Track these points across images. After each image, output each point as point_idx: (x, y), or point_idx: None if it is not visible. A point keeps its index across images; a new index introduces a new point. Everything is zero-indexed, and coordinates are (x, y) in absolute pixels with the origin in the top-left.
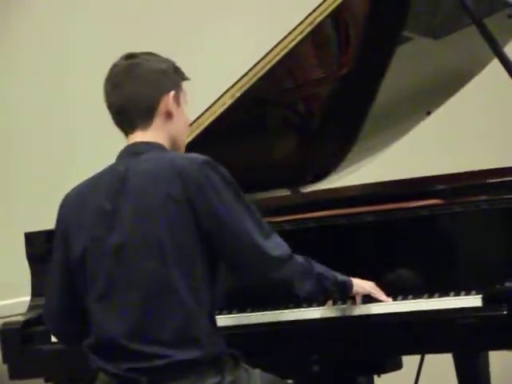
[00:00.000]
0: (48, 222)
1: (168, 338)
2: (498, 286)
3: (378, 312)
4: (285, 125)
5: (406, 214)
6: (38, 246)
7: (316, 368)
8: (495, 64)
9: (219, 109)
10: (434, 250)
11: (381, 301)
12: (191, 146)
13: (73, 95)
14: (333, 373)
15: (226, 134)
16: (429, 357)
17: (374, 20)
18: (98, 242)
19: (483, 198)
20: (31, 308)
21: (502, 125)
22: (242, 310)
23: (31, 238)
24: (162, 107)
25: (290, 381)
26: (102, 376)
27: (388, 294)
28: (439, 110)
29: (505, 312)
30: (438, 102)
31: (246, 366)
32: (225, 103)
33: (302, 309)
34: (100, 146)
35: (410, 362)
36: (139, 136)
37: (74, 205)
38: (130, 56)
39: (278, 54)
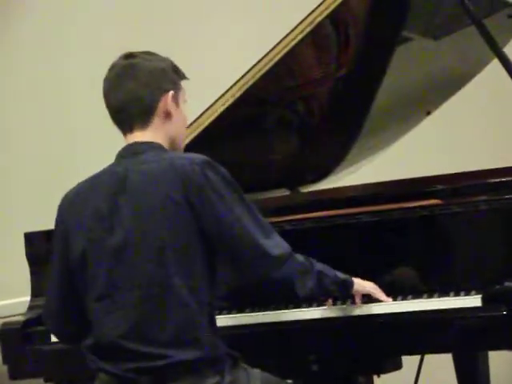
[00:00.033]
0: (48, 222)
1: (168, 339)
2: (497, 286)
3: (377, 312)
4: (284, 125)
5: (405, 214)
6: (38, 246)
7: (315, 368)
8: (495, 64)
9: (219, 109)
10: (434, 250)
11: (381, 301)
12: (191, 146)
13: (73, 95)
14: (332, 373)
15: (225, 133)
16: (428, 357)
17: (373, 20)
18: (97, 243)
19: (483, 198)
20: (31, 308)
21: (502, 125)
22: (241, 310)
23: (31, 238)
24: (160, 107)
25: (289, 381)
26: (101, 376)
27: (388, 294)
28: (439, 109)
29: (504, 312)
30: (438, 102)
31: (245, 366)
32: (225, 103)
33: (302, 309)
34: (100, 146)
35: (409, 362)
36: (138, 136)
37: (74, 205)
38: (128, 55)
39: (277, 54)
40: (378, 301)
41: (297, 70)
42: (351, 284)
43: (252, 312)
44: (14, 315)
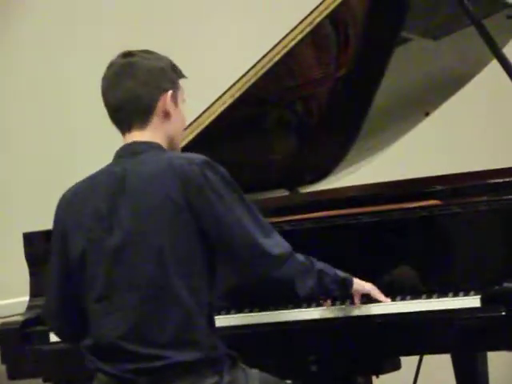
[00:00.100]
0: (47, 223)
1: (167, 340)
2: (496, 287)
3: (376, 312)
4: (284, 125)
5: (405, 214)
6: (37, 246)
7: (314, 368)
8: (494, 64)
9: (218, 109)
10: (433, 251)
11: (380, 301)
12: (191, 146)
13: (73, 95)
14: (331, 373)
15: (225, 133)
16: (427, 357)
17: (373, 20)
18: (96, 244)
19: (482, 198)
20: (30, 308)
21: (502, 125)
22: (240, 310)
23: (30, 238)
24: (159, 106)
25: (288, 381)
26: (100, 376)
27: (387, 295)
28: (439, 110)
29: (503, 313)
30: (437, 102)
31: (244, 366)
32: (224, 103)
33: (301, 309)
34: (100, 145)
35: (408, 362)
36: (136, 135)
37: (72, 205)
38: (127, 54)
39: (277, 54)
40: (376, 301)
41: (296, 70)
42: (351, 283)
43: (251, 312)
44: (13, 315)
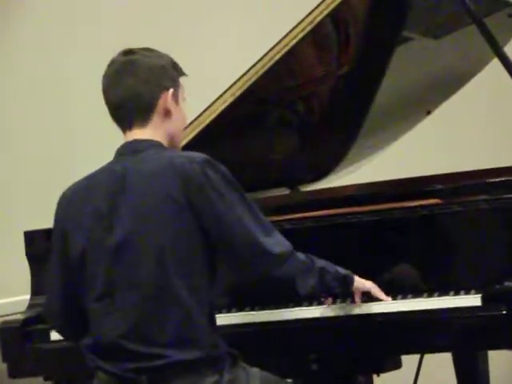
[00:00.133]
0: (48, 221)
1: (167, 339)
2: (497, 286)
3: (377, 311)
4: (285, 124)
5: (405, 213)
6: (38, 245)
7: (315, 367)
8: (495, 63)
9: (219, 107)
10: (434, 250)
11: (380, 300)
12: (192, 145)
13: (73, 95)
14: (332, 372)
15: (225, 132)
16: (428, 356)
17: (374, 19)
18: (97, 242)
19: (482, 197)
20: (31, 306)
21: (502, 124)
22: (240, 309)
23: (31, 237)
24: (160, 105)
25: (288, 380)
26: (100, 375)
27: (387, 293)
28: (439, 109)
29: (504, 312)
30: (438, 101)
31: (245, 365)
32: (225, 101)
33: (301, 307)
34: (100, 145)
35: (409, 361)
36: (137, 133)
37: (72, 203)
38: (128, 52)
39: (278, 53)
40: (377, 300)
41: (297, 69)
42: (352, 280)
43: (252, 311)
44: (14, 314)
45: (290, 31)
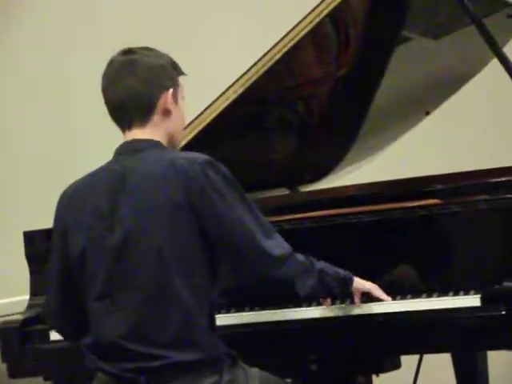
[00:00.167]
0: (47, 222)
1: (167, 339)
2: (496, 286)
3: (376, 311)
4: (284, 124)
5: (405, 213)
6: (37, 245)
7: (314, 367)
8: (495, 64)
9: (219, 107)
10: (433, 250)
11: (380, 300)
12: (191, 144)
13: (73, 95)
14: (331, 372)
15: (225, 133)
16: (427, 356)
17: (373, 20)
18: (97, 242)
19: (482, 197)
20: (30, 307)
21: (502, 124)
22: (240, 309)
23: (30, 237)
24: (160, 104)
25: (288, 380)
26: (100, 375)
27: (387, 294)
28: (439, 109)
29: (503, 312)
30: (438, 101)
31: (244, 365)
32: (225, 102)
33: (301, 308)
34: (100, 145)
35: (408, 361)
36: (137, 133)
37: (72, 202)
38: (127, 51)
39: (278, 53)
40: (376, 300)
41: (297, 70)
42: (351, 281)
43: (251, 311)
44: (14, 314)
45: (290, 31)
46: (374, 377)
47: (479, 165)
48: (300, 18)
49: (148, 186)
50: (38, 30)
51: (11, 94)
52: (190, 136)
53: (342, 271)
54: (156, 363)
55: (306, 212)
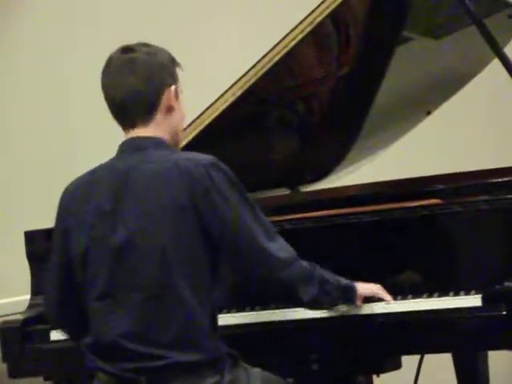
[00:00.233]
0: (48, 221)
1: (169, 340)
2: (497, 286)
3: (377, 311)
4: (285, 124)
5: (405, 213)
6: (38, 245)
7: (315, 367)
8: (495, 64)
9: (219, 108)
10: (434, 250)
11: (380, 300)
12: (192, 145)
13: (73, 95)
14: (332, 372)
15: (226, 133)
16: (428, 356)
17: (374, 20)
18: (99, 241)
19: (483, 197)
20: (31, 307)
21: (502, 125)
22: (241, 309)
23: (31, 237)
24: (163, 102)
25: (289, 380)
26: (100, 375)
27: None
28: (439, 109)
29: (504, 312)
30: (438, 101)
31: (245, 365)
32: (225, 102)
33: (301, 308)
34: (100, 145)
35: (409, 361)
36: (140, 131)
37: (75, 199)
38: (127, 49)
39: (278, 54)
40: (377, 300)
41: (297, 70)
42: (355, 290)
43: (252, 311)
44: (14, 314)
45: (290, 32)
46: (374, 377)
47: (480, 165)
48: (300, 18)
49: (152, 187)
50: (38, 30)
51: (11, 94)
52: (191, 136)
53: (344, 280)
54: (157, 363)
55: (306, 212)
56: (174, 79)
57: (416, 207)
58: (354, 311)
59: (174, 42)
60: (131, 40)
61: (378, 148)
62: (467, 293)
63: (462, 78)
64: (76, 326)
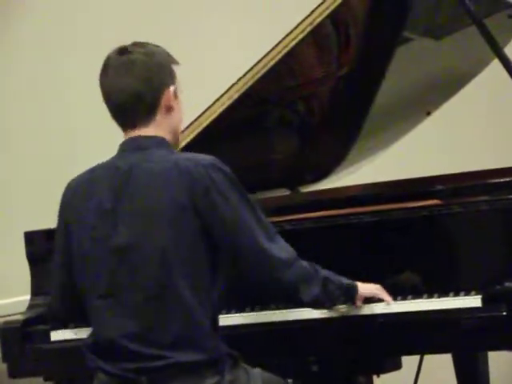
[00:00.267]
0: (48, 222)
1: (170, 340)
2: (497, 287)
3: (377, 312)
4: (285, 124)
5: (405, 214)
6: (38, 245)
7: (315, 368)
8: (495, 64)
9: (219, 108)
10: (434, 251)
11: (380, 301)
12: (192, 145)
13: (73, 95)
14: (332, 372)
15: (226, 133)
16: (428, 357)
17: (374, 20)
18: (100, 241)
19: (483, 198)
20: (31, 307)
21: (502, 125)
22: (241, 310)
23: (31, 237)
24: (163, 103)
25: (289, 380)
26: (100, 375)
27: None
28: (440, 110)
29: (504, 312)
30: (438, 102)
31: (246, 366)
32: (225, 102)
33: (301, 308)
34: (100, 145)
35: (409, 362)
36: (141, 132)
37: (76, 196)
38: (124, 51)
39: (278, 54)
40: (377, 301)
41: (297, 70)
42: (356, 289)
43: (252, 311)
44: (14, 314)
45: (290, 32)
46: (374, 377)
47: (480, 165)
48: (300, 18)
49: (152, 187)
50: (38, 30)
51: (11, 94)
52: (191, 136)
53: (346, 280)
54: (157, 363)
55: (306, 213)
56: (172, 78)
57: (416, 208)
58: (354, 312)
59: (174, 41)
60: (131, 40)
61: (378, 148)
62: (467, 293)
63: (462, 79)
64: (84, 322)
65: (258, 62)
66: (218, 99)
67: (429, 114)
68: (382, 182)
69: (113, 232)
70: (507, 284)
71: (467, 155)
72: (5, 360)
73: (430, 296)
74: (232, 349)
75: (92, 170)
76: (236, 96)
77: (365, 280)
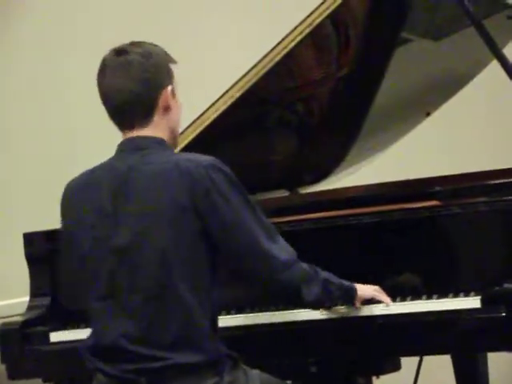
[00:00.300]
0: (47, 223)
1: (169, 341)
2: (496, 288)
3: (376, 313)
4: (284, 125)
5: (405, 215)
6: (37, 247)
7: (314, 369)
8: (495, 65)
9: (219, 108)
10: (434, 252)
11: (379, 302)
12: (191, 146)
13: (73, 95)
14: (331, 374)
15: (225, 134)
16: (427, 358)
17: (373, 21)
18: (100, 242)
19: (483, 199)
20: (30, 308)
21: (502, 126)
22: (240, 311)
23: (30, 239)
24: (161, 103)
25: (288, 382)
26: (99, 377)
27: (386, 295)
28: (439, 110)
29: (503, 313)
30: (438, 103)
31: (245, 367)
32: (225, 103)
33: (301, 309)
34: (100, 145)
35: (408, 363)
36: (139, 132)
37: (75, 198)
38: (121, 52)
39: (278, 55)
40: (376, 302)
41: (297, 71)
42: (355, 291)
43: (251, 312)
44: (14, 315)
45: (290, 33)
46: (374, 378)
47: (479, 166)
48: (300, 19)
49: (152, 187)
50: (38, 30)
51: (11, 94)
52: (191, 137)
53: (345, 282)
54: (157, 364)
55: (305, 214)
56: (170, 78)
57: (415, 209)
58: (353, 313)
59: (174, 41)
60: (131, 40)
61: (378, 149)
62: (466, 294)
63: (461, 79)
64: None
65: (258, 62)
66: (217, 100)
67: (428, 114)
68: (381, 183)
69: (113, 232)
70: (506, 285)
71: (466, 156)
72: (4, 361)
73: (429, 297)
74: (231, 350)
75: (91, 171)
76: (235, 97)
77: (364, 281)
